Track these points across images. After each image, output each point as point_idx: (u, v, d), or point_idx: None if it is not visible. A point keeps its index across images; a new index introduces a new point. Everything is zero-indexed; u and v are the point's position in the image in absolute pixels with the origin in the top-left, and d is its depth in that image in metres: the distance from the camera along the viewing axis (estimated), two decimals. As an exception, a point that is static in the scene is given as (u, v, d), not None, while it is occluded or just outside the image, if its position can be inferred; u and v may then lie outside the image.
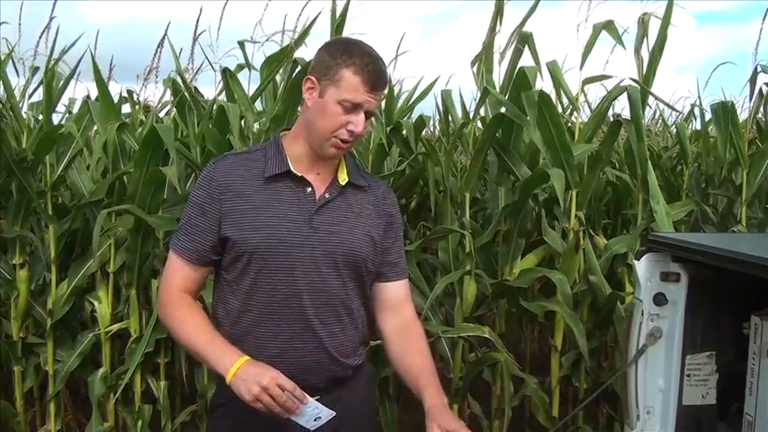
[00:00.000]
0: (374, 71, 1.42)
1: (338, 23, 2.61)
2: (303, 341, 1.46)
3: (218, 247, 1.48)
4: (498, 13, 2.68)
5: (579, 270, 2.75)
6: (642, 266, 1.91)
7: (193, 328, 1.46)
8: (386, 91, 1.50)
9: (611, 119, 2.91)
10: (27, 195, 2.88)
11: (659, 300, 1.90)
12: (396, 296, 1.62)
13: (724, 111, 3.04)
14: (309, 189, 1.48)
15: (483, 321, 3.05)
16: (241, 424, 1.47)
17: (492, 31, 2.70)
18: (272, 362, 1.39)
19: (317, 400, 1.40)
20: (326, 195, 1.49)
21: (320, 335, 1.47)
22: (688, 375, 1.93)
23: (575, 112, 3.05)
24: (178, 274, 1.51)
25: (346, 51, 1.43)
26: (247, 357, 1.38)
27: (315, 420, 1.39)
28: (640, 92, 2.63)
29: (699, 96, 3.35)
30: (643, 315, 1.91)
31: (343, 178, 1.52)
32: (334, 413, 1.40)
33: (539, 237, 2.93)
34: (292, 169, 1.47)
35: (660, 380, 1.94)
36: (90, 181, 3.05)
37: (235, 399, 1.37)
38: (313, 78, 1.45)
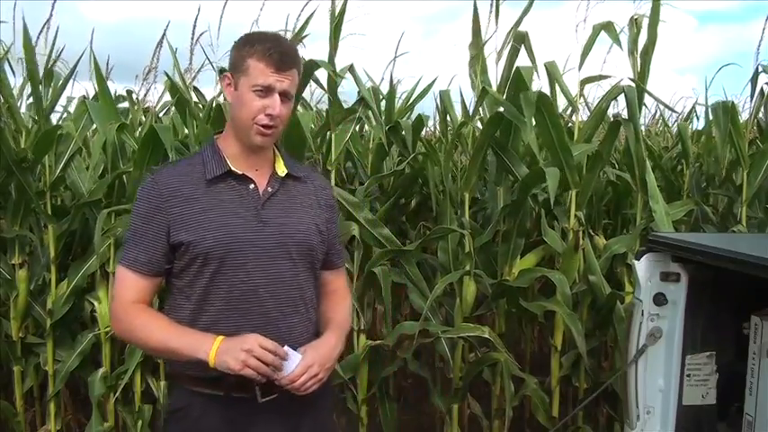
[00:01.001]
0: (276, 53, 1.47)
1: (336, 23, 2.61)
2: (263, 335, 1.47)
3: (170, 254, 1.50)
4: (492, 12, 2.67)
5: (579, 270, 2.75)
6: (642, 266, 1.91)
7: (160, 328, 1.48)
8: (299, 70, 1.55)
9: (612, 118, 2.91)
10: (26, 195, 2.87)
11: (659, 300, 1.90)
12: (338, 282, 1.73)
13: (724, 110, 3.04)
14: (252, 185, 1.53)
15: (483, 321, 3.05)
16: (199, 427, 1.49)
17: (477, 35, 2.70)
18: None
19: (275, 397, 1.46)
20: (269, 189, 1.54)
21: (280, 327, 1.49)
22: (688, 375, 1.93)
23: (574, 113, 3.04)
24: (131, 287, 1.51)
25: (249, 42, 1.50)
26: (222, 336, 1.42)
27: (292, 369, 1.44)
28: (637, 91, 2.63)
29: (705, 97, 3.34)
30: (643, 315, 1.91)
31: (282, 170, 1.58)
32: (301, 355, 1.45)
33: (538, 237, 2.93)
34: (232, 168, 1.52)
35: (660, 380, 1.94)
36: (89, 181, 3.04)
37: (192, 404, 1.42)
38: (228, 75, 1.53)
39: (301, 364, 1.43)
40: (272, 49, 1.46)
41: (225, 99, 2.73)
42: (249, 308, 1.48)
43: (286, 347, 1.43)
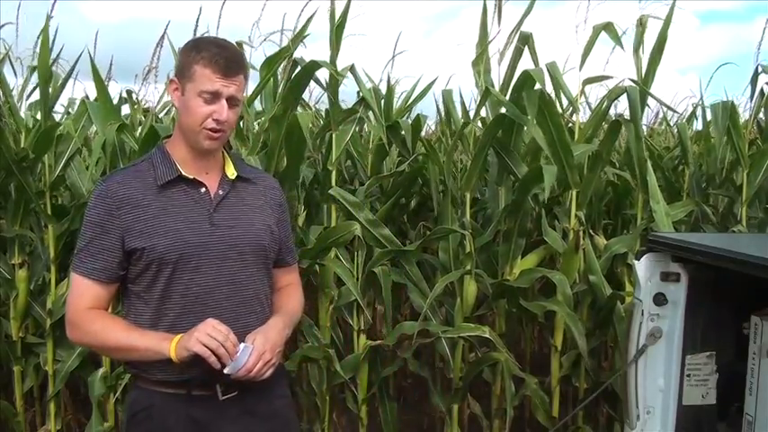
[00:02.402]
0: (222, 59, 1.48)
1: (338, 24, 2.61)
2: None
3: (124, 261, 1.51)
4: (490, 12, 2.67)
5: (579, 270, 2.75)
6: (642, 266, 1.91)
7: (119, 331, 1.50)
8: (245, 75, 1.56)
9: (613, 118, 2.90)
10: (26, 195, 2.87)
11: (659, 300, 1.90)
12: (289, 278, 1.76)
13: (723, 110, 3.04)
14: (203, 189, 1.54)
15: (483, 321, 3.05)
16: (162, 426, 1.50)
17: (484, 33, 2.69)
18: (193, 360, 1.44)
19: (235, 395, 1.50)
20: (220, 192, 1.56)
21: (235, 327, 1.49)
22: (688, 375, 1.93)
23: (574, 113, 3.04)
24: (86, 295, 1.52)
25: (195, 47, 1.50)
26: (182, 334, 1.45)
27: (241, 367, 1.46)
28: (639, 92, 2.63)
29: (701, 96, 3.34)
30: (643, 315, 1.91)
31: (232, 173, 1.59)
32: (252, 347, 1.47)
33: (539, 237, 2.93)
34: (183, 172, 1.52)
35: (660, 380, 1.94)
36: (89, 181, 3.04)
37: (154, 404, 1.46)
38: (175, 80, 1.53)
39: (254, 354, 1.45)
40: (218, 55, 1.47)
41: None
42: (205, 310, 1.50)
43: (242, 344, 1.46)
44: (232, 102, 1.50)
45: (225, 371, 1.44)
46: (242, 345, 1.47)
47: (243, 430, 1.54)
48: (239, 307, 1.54)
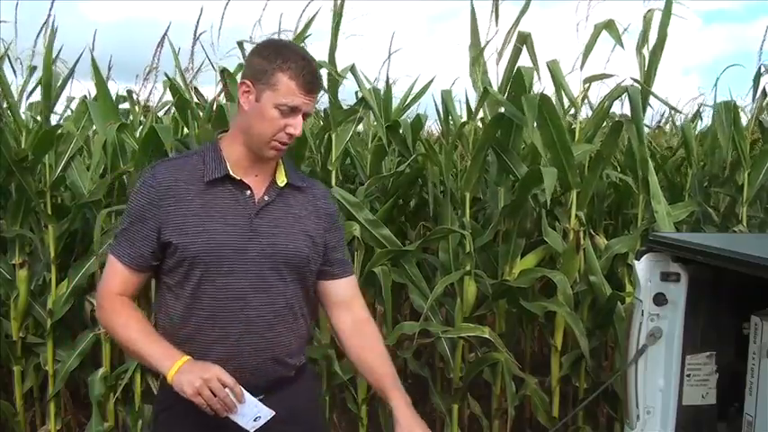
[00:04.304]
0: (310, 74, 1.44)
1: (337, 24, 2.61)
2: (248, 343, 1.48)
3: (159, 252, 1.49)
4: (492, 12, 2.67)
5: (580, 270, 2.75)
6: (642, 266, 1.91)
7: (135, 332, 1.47)
8: (321, 92, 1.54)
9: (615, 119, 2.90)
10: (26, 195, 2.88)
11: (659, 300, 1.90)
12: (345, 293, 1.65)
13: (726, 110, 3.04)
14: (249, 192, 1.50)
15: (483, 321, 3.05)
16: (187, 423, 1.47)
17: (476, 35, 2.69)
18: (219, 364, 1.41)
19: (261, 399, 1.42)
20: (266, 198, 1.51)
21: (265, 336, 1.48)
22: (688, 375, 1.93)
23: (576, 113, 3.04)
24: (117, 278, 1.51)
25: (281, 55, 1.44)
26: (189, 357, 1.40)
27: (254, 420, 1.40)
28: (641, 92, 2.62)
29: (705, 96, 3.33)
30: (643, 315, 1.90)
31: (282, 180, 1.54)
32: (274, 413, 1.41)
33: (539, 237, 2.93)
34: (231, 173, 1.49)
35: (660, 380, 1.94)
36: (89, 181, 3.05)
37: (178, 403, 1.39)
38: (248, 82, 1.46)
39: None
40: (305, 69, 1.43)
41: (225, 99, 2.76)
42: (234, 315, 1.47)
43: (246, 394, 1.39)
44: (305, 116, 1.47)
45: (235, 419, 1.38)
46: (249, 396, 1.39)
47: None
48: (269, 316, 1.49)
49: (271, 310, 1.49)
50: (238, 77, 2.74)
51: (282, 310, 1.51)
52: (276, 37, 2.69)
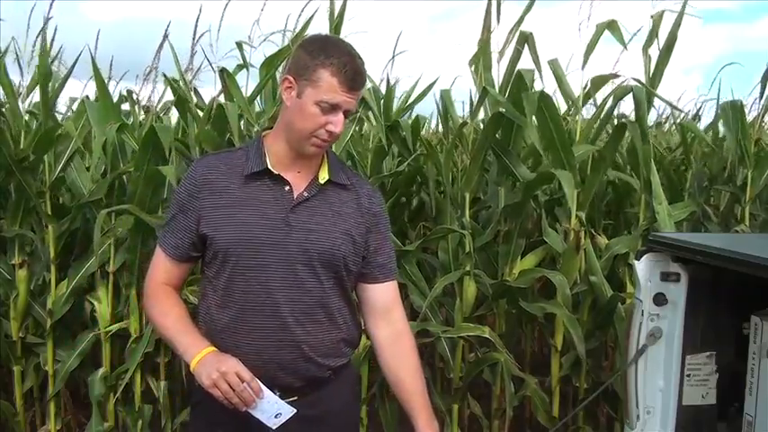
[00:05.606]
0: (352, 71, 1.41)
1: (336, 24, 2.61)
2: (278, 339, 1.47)
3: (199, 244, 1.50)
4: (493, 11, 2.67)
5: (580, 270, 2.75)
6: (642, 266, 1.91)
7: (171, 320, 1.50)
8: (364, 89, 1.52)
9: (619, 119, 2.89)
10: (26, 195, 2.87)
11: (659, 300, 1.90)
12: (385, 298, 1.61)
13: (733, 109, 3.03)
14: (288, 187, 1.49)
15: (483, 321, 3.05)
16: (219, 418, 1.48)
17: (488, 30, 2.69)
18: (249, 358, 1.42)
19: (294, 400, 1.42)
20: (305, 194, 1.49)
21: (295, 333, 1.47)
22: (688, 375, 1.93)
23: (576, 113, 3.03)
24: (161, 267, 1.55)
25: (324, 51, 1.42)
26: (214, 348, 1.42)
27: (276, 417, 1.40)
28: (645, 92, 2.61)
29: (717, 97, 3.32)
30: (643, 315, 1.90)
31: (324, 177, 1.52)
32: (295, 410, 1.41)
33: (539, 237, 2.92)
34: (270, 167, 1.48)
35: (660, 380, 1.94)
36: (89, 181, 3.04)
37: (207, 398, 1.40)
38: (290, 78, 1.45)
39: None
40: (348, 65, 1.40)
41: (225, 99, 2.75)
42: (265, 310, 1.46)
43: (266, 390, 1.39)
44: (347, 114, 1.45)
45: (254, 414, 1.39)
46: (268, 393, 1.39)
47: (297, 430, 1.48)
48: (300, 314, 1.47)
49: (301, 308, 1.48)
50: (238, 78, 2.77)
51: (314, 308, 1.49)
52: (277, 37, 2.70)
